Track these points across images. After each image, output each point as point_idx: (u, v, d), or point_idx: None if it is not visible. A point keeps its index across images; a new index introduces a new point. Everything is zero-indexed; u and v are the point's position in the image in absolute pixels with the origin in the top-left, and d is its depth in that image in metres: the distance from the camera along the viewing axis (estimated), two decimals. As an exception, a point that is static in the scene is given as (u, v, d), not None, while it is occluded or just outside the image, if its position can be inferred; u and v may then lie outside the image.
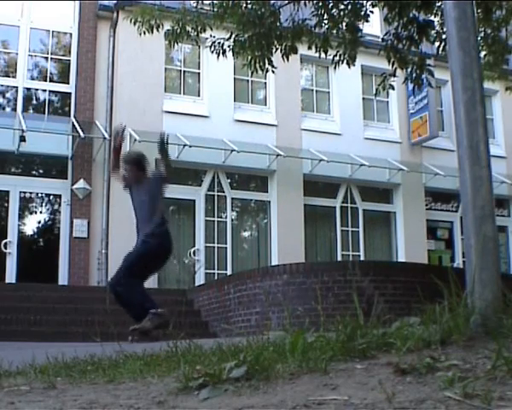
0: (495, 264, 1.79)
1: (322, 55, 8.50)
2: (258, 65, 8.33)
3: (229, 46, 8.46)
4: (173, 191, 13.85)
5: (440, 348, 1.52)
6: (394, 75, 8.85)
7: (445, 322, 1.60)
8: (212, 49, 8.55)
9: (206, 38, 8.94)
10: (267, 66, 8.43)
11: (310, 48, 8.59)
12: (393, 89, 9.09)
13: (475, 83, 1.87)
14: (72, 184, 12.93)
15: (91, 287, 12.17)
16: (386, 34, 8.73)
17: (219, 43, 8.52)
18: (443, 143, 15.61)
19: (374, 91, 9.31)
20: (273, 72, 8.63)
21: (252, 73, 8.60)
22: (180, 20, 8.49)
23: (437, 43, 9.14)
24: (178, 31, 8.47)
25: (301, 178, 14.56)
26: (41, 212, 13.62)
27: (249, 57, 8.33)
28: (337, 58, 8.60)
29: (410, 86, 11.94)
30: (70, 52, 13.95)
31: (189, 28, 8.50)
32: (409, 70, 8.83)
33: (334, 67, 8.83)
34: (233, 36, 8.43)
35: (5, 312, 8.67)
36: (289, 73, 13.91)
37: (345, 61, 8.61)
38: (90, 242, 12.86)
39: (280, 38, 8.33)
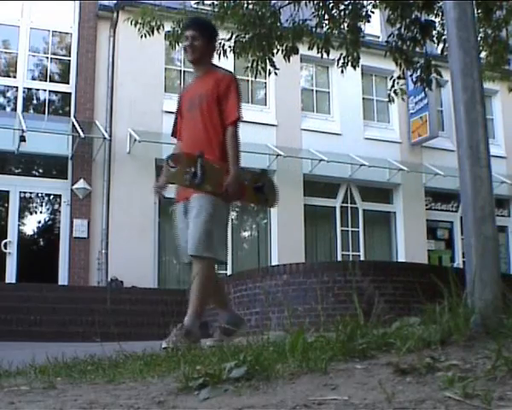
0: (495, 264, 1.79)
1: (324, 55, 8.51)
2: (259, 67, 8.34)
3: (230, 46, 8.46)
4: (173, 192, 13.88)
5: (440, 348, 1.52)
6: (404, 78, 8.87)
7: (445, 322, 1.60)
8: None
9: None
10: (269, 67, 8.43)
11: (311, 48, 8.59)
12: (405, 93, 9.11)
13: (475, 83, 1.87)
14: (72, 184, 12.93)
15: (91, 287, 12.18)
16: (390, 36, 8.74)
17: (220, 43, 8.52)
18: (443, 143, 15.61)
19: (376, 94, 9.34)
20: (276, 74, 8.64)
21: (256, 75, 8.60)
22: (181, 20, 8.49)
23: (440, 44, 9.15)
24: (179, 32, 8.47)
25: (301, 178, 14.56)
26: (41, 212, 13.62)
27: (251, 59, 8.33)
28: (341, 61, 8.61)
29: (411, 86, 11.96)
30: (70, 52, 13.95)
31: None
32: (416, 71, 8.84)
33: (342, 71, 8.82)
34: (234, 36, 8.44)
35: (5, 312, 8.68)
36: (289, 73, 13.89)
37: (349, 64, 8.62)
38: (90, 242, 12.86)
39: (281, 39, 8.33)
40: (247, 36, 8.26)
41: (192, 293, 3.77)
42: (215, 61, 4.26)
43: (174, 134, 4.24)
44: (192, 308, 3.75)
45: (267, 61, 8.34)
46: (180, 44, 8.88)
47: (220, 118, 3.89)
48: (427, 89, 9.23)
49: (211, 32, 4.12)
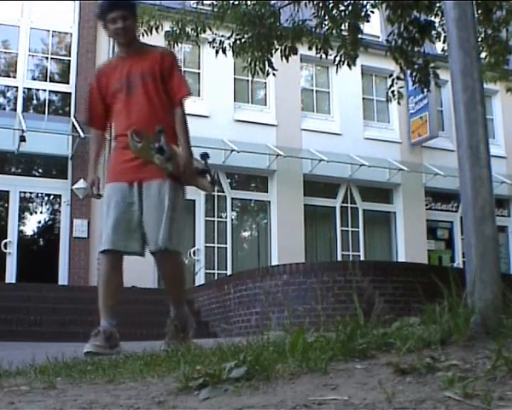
0: (495, 264, 1.79)
1: (323, 55, 8.51)
2: (258, 67, 8.35)
3: (229, 44, 8.47)
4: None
5: (440, 348, 1.52)
6: (403, 79, 8.88)
7: (445, 322, 1.60)
8: (213, 45, 8.55)
9: (206, 39, 8.95)
10: (267, 68, 8.44)
11: (310, 48, 8.60)
12: (403, 97, 9.12)
13: (475, 83, 1.87)
14: (72, 184, 12.92)
15: (91, 287, 12.14)
16: (389, 35, 8.75)
17: (220, 40, 8.53)
18: (443, 143, 15.62)
19: (376, 94, 9.33)
20: (274, 74, 8.65)
21: (253, 75, 8.61)
22: (180, 20, 8.49)
23: (440, 44, 9.17)
24: (178, 32, 8.47)
25: (301, 178, 14.56)
26: (41, 212, 13.62)
27: (249, 59, 8.34)
28: (338, 59, 8.61)
29: (411, 86, 11.96)
30: (70, 52, 13.95)
31: (188, 29, 8.51)
32: (415, 71, 8.85)
33: (336, 70, 8.83)
34: (233, 35, 8.44)
35: (5, 312, 8.67)
36: (289, 73, 13.91)
37: (346, 62, 8.63)
38: (90, 242, 12.85)
39: (280, 39, 8.33)
40: (246, 36, 8.26)
41: (174, 290, 3.72)
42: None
43: (91, 123, 3.95)
44: (181, 303, 3.77)
45: (265, 62, 8.35)
46: (180, 44, 8.88)
47: (166, 96, 3.68)
48: (424, 89, 9.24)
49: (135, 9, 3.85)
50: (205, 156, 3.89)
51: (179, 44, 8.91)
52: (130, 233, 3.58)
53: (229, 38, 8.47)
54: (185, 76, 3.84)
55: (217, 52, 8.52)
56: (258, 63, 8.32)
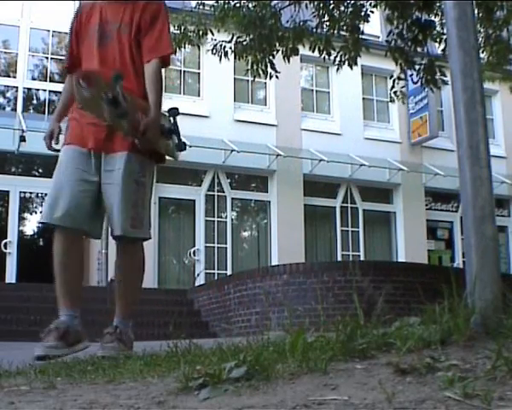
0: (495, 264, 1.79)
1: (326, 56, 8.52)
2: (260, 69, 8.36)
3: (230, 48, 8.48)
4: (173, 191, 13.90)
5: (440, 348, 1.52)
6: (405, 79, 8.89)
7: (445, 322, 1.60)
8: (214, 51, 8.58)
9: (207, 39, 8.95)
10: (269, 70, 8.46)
11: (312, 50, 8.62)
12: (405, 96, 9.15)
13: (475, 83, 1.87)
14: (73, 184, 12.93)
15: (91, 287, 12.15)
16: (389, 35, 8.76)
17: (221, 45, 8.55)
18: (443, 143, 15.62)
19: (376, 94, 9.35)
20: (277, 77, 8.66)
21: (255, 77, 8.63)
22: (181, 24, 8.51)
23: (439, 45, 9.18)
24: (180, 37, 8.50)
25: (301, 178, 14.56)
26: (41, 212, 13.61)
27: (251, 61, 8.36)
28: (338, 59, 8.63)
29: (411, 86, 11.96)
30: (70, 52, 13.96)
31: (190, 34, 8.54)
32: (418, 72, 8.86)
33: (337, 70, 8.84)
34: (234, 38, 8.46)
35: (5, 312, 8.67)
36: (289, 73, 13.90)
37: (346, 63, 8.64)
38: (90, 242, 12.83)
39: (281, 40, 8.34)
40: (247, 38, 8.28)
41: (124, 284, 3.11)
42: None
43: (71, 68, 3.24)
44: (126, 305, 3.18)
45: (267, 64, 8.37)
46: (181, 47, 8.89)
47: (141, 55, 3.07)
48: (433, 89, 9.23)
49: None
50: (174, 112, 3.20)
51: (181, 48, 8.92)
52: (91, 212, 3.05)
53: (229, 41, 8.49)
54: (170, 33, 3.20)
55: (220, 58, 8.54)
56: (260, 65, 8.33)
